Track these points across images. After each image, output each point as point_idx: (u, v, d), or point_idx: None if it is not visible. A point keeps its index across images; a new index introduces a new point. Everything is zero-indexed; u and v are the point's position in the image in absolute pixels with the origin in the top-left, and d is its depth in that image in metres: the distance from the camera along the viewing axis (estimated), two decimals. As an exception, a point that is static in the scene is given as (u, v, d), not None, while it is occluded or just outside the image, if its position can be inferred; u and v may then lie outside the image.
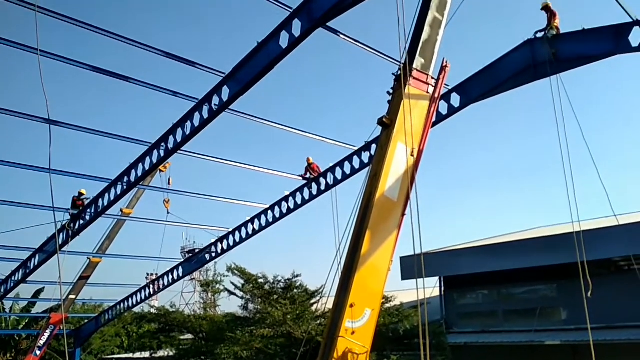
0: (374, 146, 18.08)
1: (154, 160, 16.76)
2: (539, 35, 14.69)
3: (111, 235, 26.98)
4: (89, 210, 19.69)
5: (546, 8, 14.70)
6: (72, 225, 19.98)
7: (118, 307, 30.49)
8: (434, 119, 11.32)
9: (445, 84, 11.81)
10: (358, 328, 9.24)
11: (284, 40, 12.45)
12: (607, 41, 13.85)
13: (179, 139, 15.75)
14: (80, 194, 20.92)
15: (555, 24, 14.45)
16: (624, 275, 25.38)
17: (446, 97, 16.52)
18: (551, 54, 14.19)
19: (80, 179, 19.84)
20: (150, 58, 15.57)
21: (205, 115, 14.81)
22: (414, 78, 10.57)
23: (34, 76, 11.54)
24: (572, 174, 12.78)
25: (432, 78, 10.96)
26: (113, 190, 18.45)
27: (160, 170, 24.08)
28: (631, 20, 13.36)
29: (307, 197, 21.82)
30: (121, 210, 26.13)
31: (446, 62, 11.26)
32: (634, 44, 13.39)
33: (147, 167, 17.09)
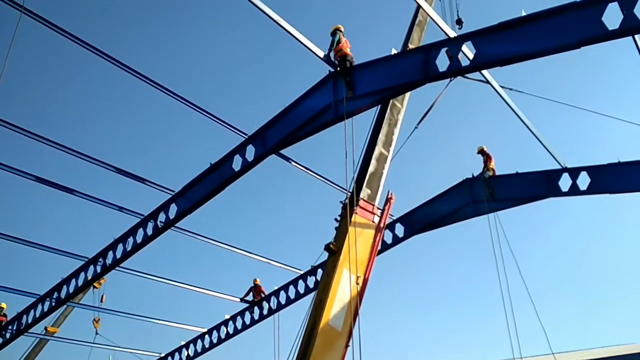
0: (319, 271, 17.99)
1: (89, 276, 15.99)
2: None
3: (31, 356, 24.67)
4: (10, 328, 18.15)
5: (482, 152, 15.99)
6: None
7: None
8: (379, 248, 11.54)
9: (390, 214, 12.23)
10: None
11: (236, 163, 12.73)
12: (539, 185, 14.98)
13: (118, 255, 15.20)
14: (0, 308, 19.34)
15: (491, 166, 15.59)
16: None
17: (391, 227, 16.96)
18: (488, 193, 15.13)
19: (4, 293, 18.51)
20: (97, 172, 15.47)
21: (150, 231, 14.51)
22: (361, 207, 10.92)
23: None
24: (513, 310, 13.05)
25: (378, 208, 11.37)
26: (40, 306, 17.25)
27: (94, 287, 22.83)
28: (560, 167, 14.58)
29: (248, 322, 20.98)
30: (46, 329, 24.20)
31: (391, 194, 11.77)
32: (564, 189, 14.51)
33: (80, 284, 16.24)
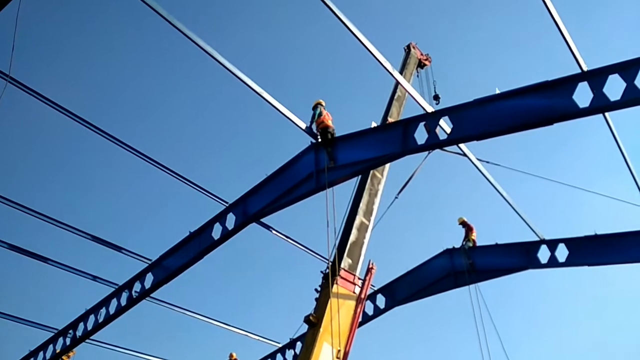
0: (299, 344, 17.48)
1: (58, 348, 15.33)
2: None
3: None
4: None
5: (463, 223, 16.15)
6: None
7: None
8: (360, 319, 11.32)
9: (371, 285, 12.09)
10: None
11: (216, 232, 12.62)
12: (518, 257, 15.09)
13: (89, 327, 14.65)
14: None
15: (473, 237, 15.71)
16: None
17: (372, 297, 16.72)
18: (468, 264, 15.16)
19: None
20: (72, 239, 15.15)
21: (124, 302, 14.07)
22: (342, 277, 10.81)
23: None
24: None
25: (359, 279, 11.25)
26: (3, 381, 16.36)
27: (62, 360, 21.83)
28: (538, 239, 14.73)
29: (222, 400, 20.08)
30: (6, 406, 22.83)
31: (372, 263, 11.69)
32: (543, 261, 14.60)
33: (48, 357, 15.52)
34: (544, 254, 14.59)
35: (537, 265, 14.69)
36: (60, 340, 15.33)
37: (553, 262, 14.46)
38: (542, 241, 14.66)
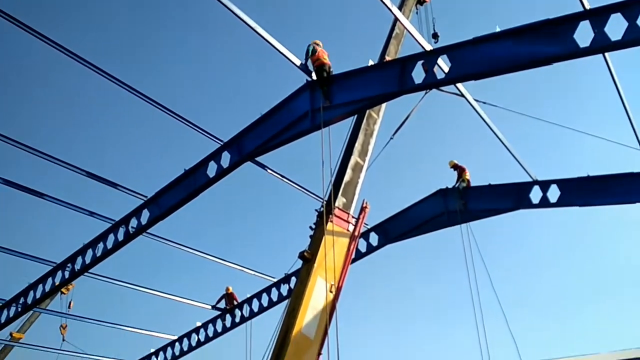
0: (293, 279, 17.96)
1: (57, 281, 15.66)
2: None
3: (-6, 363, 24.01)
4: (-28, 334, 17.67)
5: (454, 166, 16.27)
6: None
7: None
8: (353, 256, 11.59)
9: (365, 223, 12.30)
10: None
11: (211, 169, 12.66)
12: (511, 197, 15.26)
13: (87, 261, 14.93)
14: None
15: (467, 177, 15.83)
16: None
17: (365, 235, 17.04)
18: (461, 204, 15.36)
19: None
20: (68, 175, 15.18)
21: (121, 237, 14.29)
22: (336, 216, 10.96)
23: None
24: (483, 318, 13.23)
25: (353, 217, 11.42)
26: (5, 311, 16.81)
27: (62, 293, 22.36)
28: (531, 180, 14.88)
29: (219, 330, 20.78)
30: (11, 334, 23.59)
31: (366, 203, 11.84)
32: (535, 201, 14.82)
33: (47, 289, 15.89)
34: (536, 195, 14.80)
35: (529, 205, 14.91)
36: (59, 273, 15.63)
37: (544, 203, 14.68)
38: (535, 182, 14.82)
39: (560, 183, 14.55)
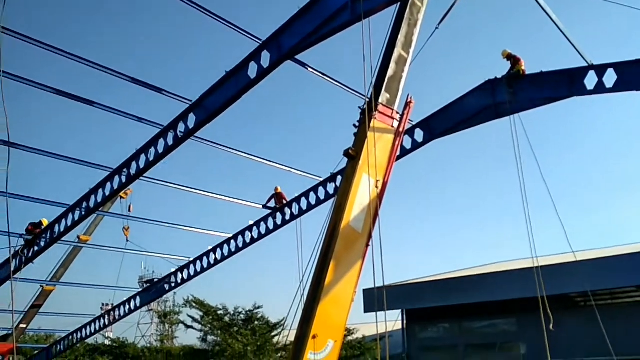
0: (339, 178, 18.20)
1: (115, 186, 16.41)
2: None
3: (66, 263, 26.10)
4: (44, 236, 19.03)
5: (508, 56, 15.23)
6: (25, 251, 19.22)
7: (71, 337, 29.20)
8: (398, 153, 11.52)
9: (409, 120, 12.07)
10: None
11: (252, 70, 12.54)
12: (564, 84, 14.50)
13: (142, 165, 15.50)
14: (41, 224, 19.99)
15: (522, 68, 14.91)
16: (581, 311, 25.97)
17: (410, 132, 16.84)
18: (510, 93, 14.73)
19: (37, 204, 19.21)
20: (116, 83, 15.43)
21: (170, 142, 14.67)
22: (380, 112, 10.76)
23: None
24: (529, 213, 13.19)
25: (397, 113, 11.19)
26: (70, 215, 17.92)
27: (121, 197, 23.57)
28: (586, 65, 14.04)
29: (271, 227, 21.66)
30: (78, 237, 25.35)
31: (410, 98, 11.53)
32: (589, 87, 14.07)
33: (107, 193, 16.70)
34: (591, 80, 14.01)
35: (583, 92, 14.18)
36: (117, 178, 16.34)
37: (600, 89, 13.90)
38: (590, 67, 13.97)
39: (617, 66, 13.64)
